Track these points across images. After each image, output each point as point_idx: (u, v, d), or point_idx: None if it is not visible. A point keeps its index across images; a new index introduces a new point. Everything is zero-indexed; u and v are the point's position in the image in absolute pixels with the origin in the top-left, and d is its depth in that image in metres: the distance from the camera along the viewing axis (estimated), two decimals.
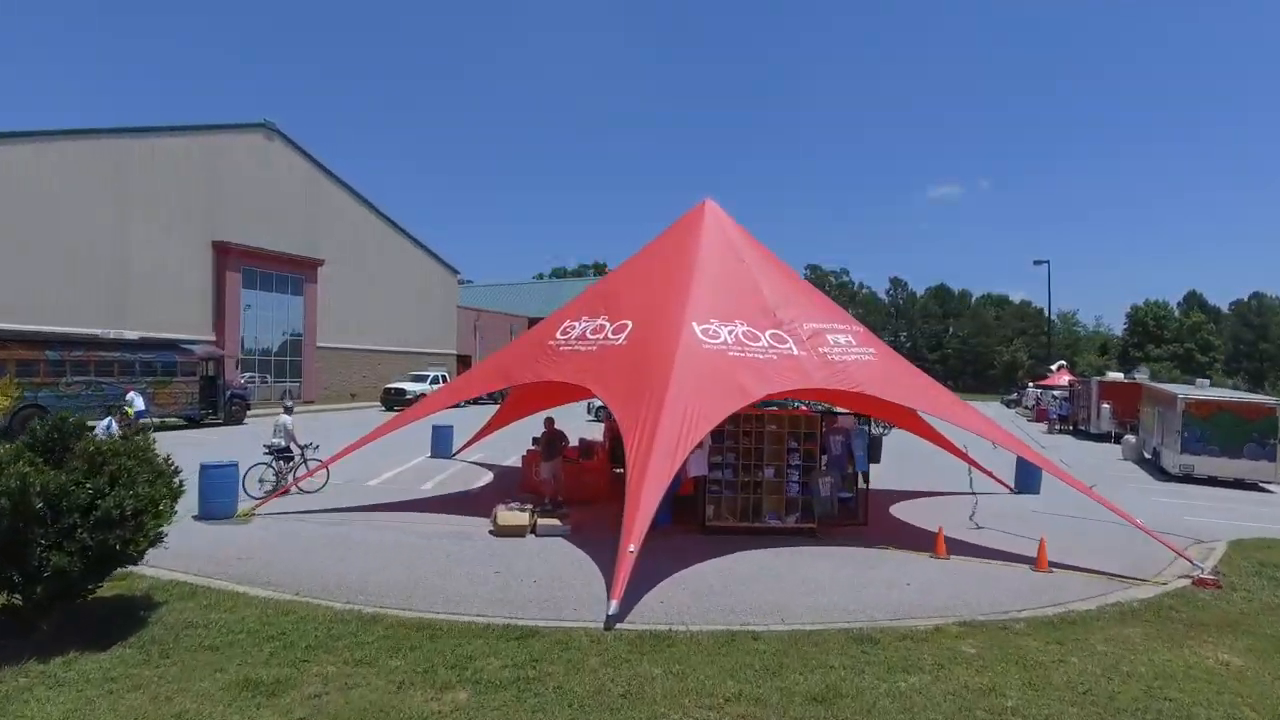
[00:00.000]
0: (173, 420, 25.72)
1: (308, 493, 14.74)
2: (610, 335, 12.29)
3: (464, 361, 52.06)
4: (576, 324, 13.11)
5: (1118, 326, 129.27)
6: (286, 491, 14.22)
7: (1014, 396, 73.34)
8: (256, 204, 35.86)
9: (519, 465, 18.16)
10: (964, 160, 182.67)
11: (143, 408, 23.09)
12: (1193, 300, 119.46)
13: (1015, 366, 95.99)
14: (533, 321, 59.85)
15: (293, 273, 37.49)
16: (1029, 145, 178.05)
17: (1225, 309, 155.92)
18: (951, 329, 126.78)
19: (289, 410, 15.53)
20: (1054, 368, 54.10)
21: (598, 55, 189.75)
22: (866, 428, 12.76)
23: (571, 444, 15.91)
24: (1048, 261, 49.85)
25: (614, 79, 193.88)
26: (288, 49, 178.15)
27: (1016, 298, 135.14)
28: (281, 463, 14.88)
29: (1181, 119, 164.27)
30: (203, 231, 33.33)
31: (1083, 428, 36.24)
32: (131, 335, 24.78)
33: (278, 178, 37.13)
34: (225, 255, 33.94)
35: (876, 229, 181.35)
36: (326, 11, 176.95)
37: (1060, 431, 36.77)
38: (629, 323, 12.33)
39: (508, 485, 16.44)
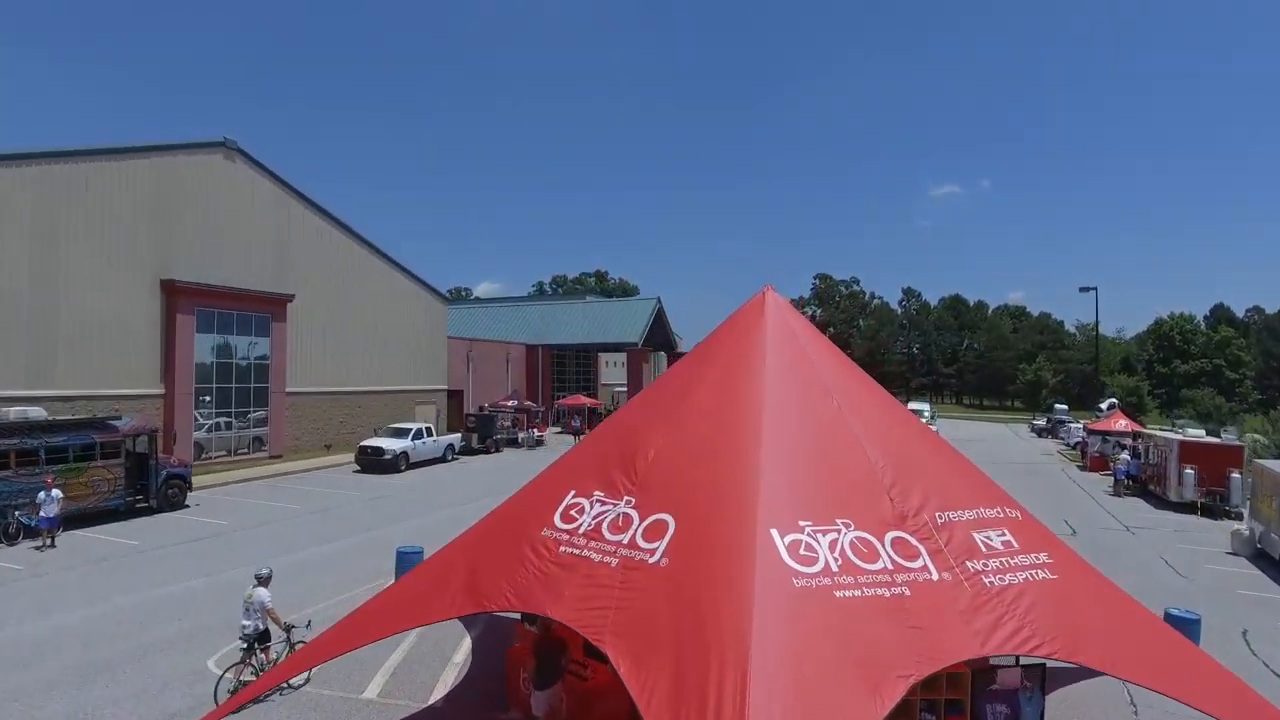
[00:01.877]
0: (109, 505, 21.24)
1: (295, 687, 10.89)
2: (640, 540, 7.84)
3: (455, 397, 47.65)
4: (587, 503, 8.68)
5: (1132, 331, 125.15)
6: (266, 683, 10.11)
7: (1045, 424, 68.90)
8: (214, 235, 31.44)
9: (512, 615, 13.78)
10: (964, 160, 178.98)
11: (54, 514, 18.57)
12: (1220, 314, 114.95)
13: (1039, 385, 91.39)
14: (530, 350, 55.39)
15: (257, 311, 33.04)
16: (1030, 144, 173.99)
17: (1241, 315, 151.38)
18: (967, 341, 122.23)
19: (264, 581, 11.14)
20: (1104, 407, 49.40)
21: (593, 57, 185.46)
22: (1039, 686, 8.28)
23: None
24: (1095, 288, 45.41)
25: (611, 80, 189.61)
26: (256, 52, 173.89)
27: (1017, 297, 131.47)
28: (263, 655, 10.70)
29: (1195, 117, 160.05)
30: (149, 269, 28.91)
31: (1154, 489, 31.85)
32: (37, 414, 20.34)
33: (240, 203, 32.70)
34: (176, 296, 29.51)
35: (878, 228, 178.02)
36: (300, 11, 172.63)
37: (1129, 493, 32.35)
38: (669, 520, 7.89)
39: (491, 674, 11.98)
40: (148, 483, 22.13)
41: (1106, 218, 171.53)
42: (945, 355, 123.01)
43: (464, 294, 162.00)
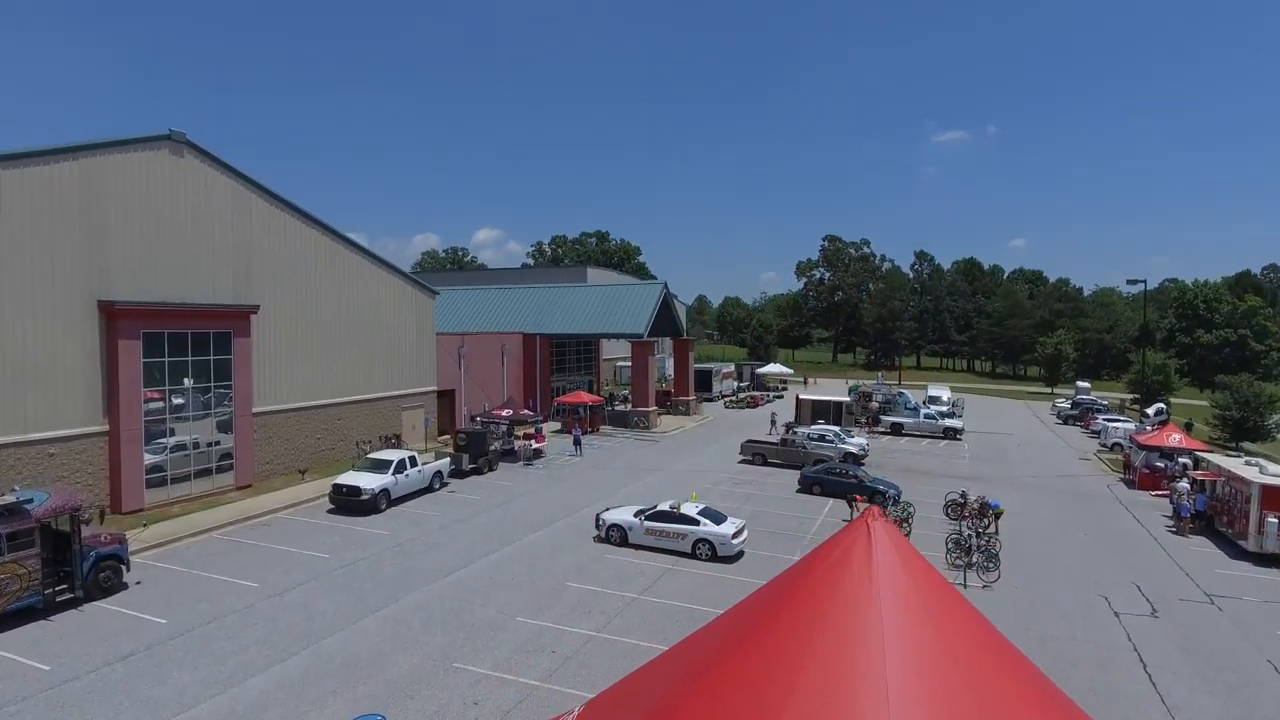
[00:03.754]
0: (24, 604, 17.78)
1: None
2: None
3: (447, 396, 44.12)
4: None
5: (1150, 282, 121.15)
6: None
7: (1071, 409, 65.40)
8: (161, 244, 27.49)
9: None
10: (970, 105, 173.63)
11: None
12: (1247, 281, 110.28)
13: (1060, 359, 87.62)
14: (528, 339, 51.52)
15: (216, 327, 29.26)
16: (1038, 91, 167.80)
17: (1257, 273, 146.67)
18: (981, 307, 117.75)
19: None
20: (1152, 413, 45.70)
21: (592, 19, 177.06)
22: None
23: None
24: (1144, 281, 41.45)
25: (610, 39, 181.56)
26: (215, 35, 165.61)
27: (1019, 245, 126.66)
28: None
29: (1215, 68, 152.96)
30: (83, 290, 25.08)
31: (1223, 529, 28.54)
32: None
33: (192, 205, 28.63)
34: (116, 319, 25.73)
35: (885, 177, 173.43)
36: None
37: (1193, 531, 29.02)
38: None
39: None
40: (73, 568, 18.71)
41: (1111, 163, 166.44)
42: (958, 322, 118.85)
43: (460, 253, 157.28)
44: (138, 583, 20.44)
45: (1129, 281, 42.77)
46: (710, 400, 69.38)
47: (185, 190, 28.36)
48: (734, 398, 70.54)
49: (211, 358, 29.16)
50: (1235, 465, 29.60)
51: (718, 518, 24.29)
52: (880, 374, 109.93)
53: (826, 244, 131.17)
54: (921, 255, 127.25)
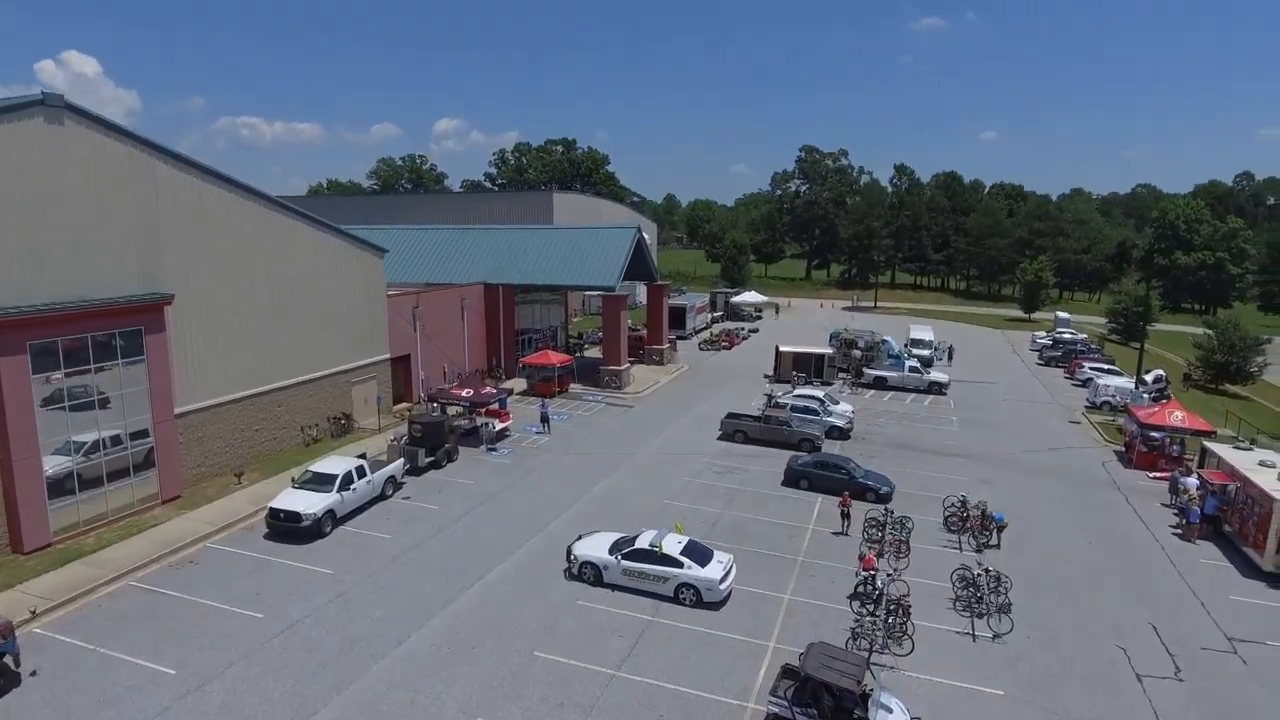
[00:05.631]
0: None
1: None
2: None
3: (402, 362, 40.59)
4: None
5: (1123, 185, 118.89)
6: None
7: (1052, 347, 63.69)
8: (44, 235, 23.02)
9: None
10: None
11: None
12: (1228, 200, 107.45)
13: (1039, 285, 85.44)
14: (489, 289, 47.51)
15: (122, 325, 25.22)
16: None
17: (1230, 183, 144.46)
18: (960, 224, 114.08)
19: None
20: (1150, 380, 43.50)
21: None
22: None
23: None
24: (1165, 265, 38.36)
25: None
26: None
27: (990, 136, 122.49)
28: None
29: None
30: None
31: (1231, 535, 27.00)
32: None
33: (80, 180, 23.97)
34: None
35: (860, 69, 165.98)
36: None
37: (1200, 537, 27.42)
38: None
39: None
40: None
41: (1086, 53, 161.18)
42: (935, 240, 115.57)
43: (419, 161, 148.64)
44: (33, 674, 17.46)
45: (1154, 254, 39.73)
46: (684, 338, 66.36)
47: (70, 165, 23.63)
48: (708, 338, 67.40)
49: (120, 362, 25.26)
50: (1248, 464, 27.80)
51: (703, 557, 21.84)
52: (855, 294, 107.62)
53: (803, 155, 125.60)
54: (901, 169, 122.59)
